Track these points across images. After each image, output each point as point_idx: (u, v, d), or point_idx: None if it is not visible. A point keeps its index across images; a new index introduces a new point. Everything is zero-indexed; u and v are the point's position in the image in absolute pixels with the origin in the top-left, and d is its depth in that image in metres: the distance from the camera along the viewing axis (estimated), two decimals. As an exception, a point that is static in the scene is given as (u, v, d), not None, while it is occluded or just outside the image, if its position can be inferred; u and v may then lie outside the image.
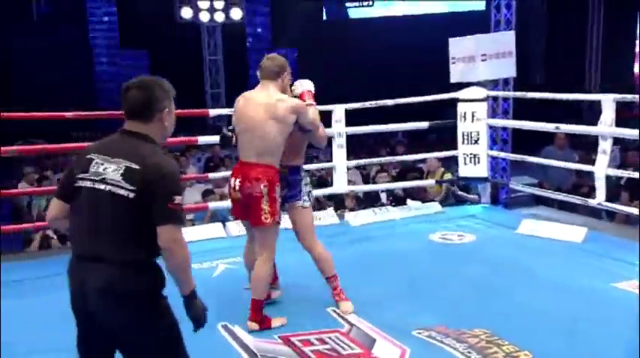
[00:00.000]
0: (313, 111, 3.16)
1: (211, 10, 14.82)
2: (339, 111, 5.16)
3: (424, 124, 5.55)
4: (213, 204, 5.33)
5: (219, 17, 14.96)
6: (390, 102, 5.33)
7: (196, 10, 14.67)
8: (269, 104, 3.04)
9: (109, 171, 1.90)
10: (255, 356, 2.80)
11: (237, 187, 3.08)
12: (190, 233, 4.90)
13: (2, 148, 4.07)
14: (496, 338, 2.86)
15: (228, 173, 6.25)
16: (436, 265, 4.09)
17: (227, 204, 5.78)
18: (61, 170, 8.78)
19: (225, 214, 6.07)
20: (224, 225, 5.11)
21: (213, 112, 4.88)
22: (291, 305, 3.41)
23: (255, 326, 3.08)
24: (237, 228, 5.01)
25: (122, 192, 1.86)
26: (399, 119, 5.74)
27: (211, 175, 5.72)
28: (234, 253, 4.39)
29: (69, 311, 2.01)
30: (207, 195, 6.11)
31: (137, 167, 1.88)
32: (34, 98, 12.69)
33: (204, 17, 14.84)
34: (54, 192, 2.15)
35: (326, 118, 5.23)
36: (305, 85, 3.25)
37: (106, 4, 15.71)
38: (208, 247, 4.61)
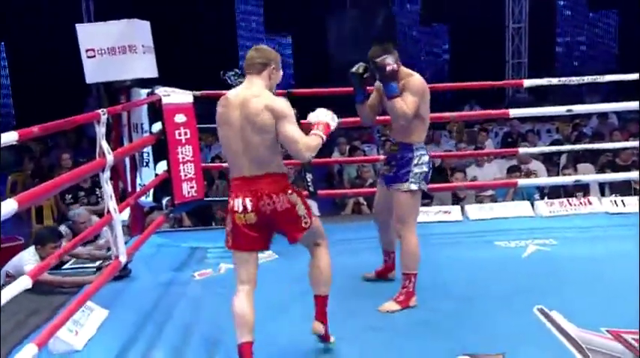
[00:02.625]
0: (314, 139, 2.55)
1: (518, -26, 14.13)
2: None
3: None
4: (521, 181, 5.10)
5: (527, -19, 14.17)
6: None
7: (502, -25, 14.16)
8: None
9: None
10: (579, 347, 2.60)
11: (249, 208, 2.51)
12: (496, 209, 4.82)
13: (305, 121, 4.47)
14: None
15: (533, 149, 6.09)
16: None
17: (536, 181, 5.58)
18: (367, 141, 9.55)
19: (532, 192, 5.81)
20: (532, 204, 4.88)
21: (528, 83, 4.61)
22: (623, 300, 3.06)
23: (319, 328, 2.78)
24: (547, 208, 4.75)
25: None
26: None
27: (521, 150, 5.47)
28: (546, 234, 4.18)
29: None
30: (513, 171, 5.90)
31: None
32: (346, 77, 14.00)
33: (511, -17, 14.24)
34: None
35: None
36: (320, 116, 2.69)
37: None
38: (516, 226, 4.45)
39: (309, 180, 4.50)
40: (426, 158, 3.18)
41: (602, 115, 9.62)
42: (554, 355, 2.59)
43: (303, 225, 2.61)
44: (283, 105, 2.52)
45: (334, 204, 6.96)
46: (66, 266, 4.04)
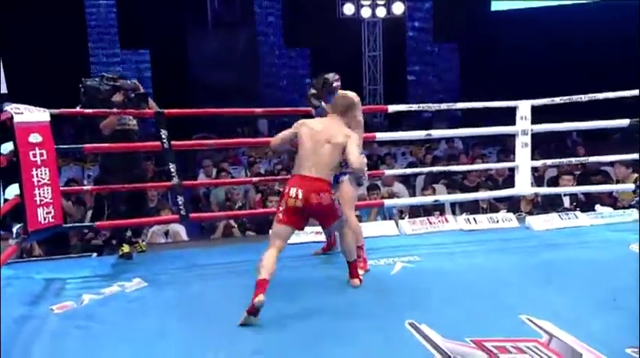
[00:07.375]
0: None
1: (373, 5, 15.06)
2: (524, 107, 4.94)
3: (624, 122, 5.09)
4: (388, 202, 5.38)
5: (381, 12, 15.15)
6: (583, 97, 4.98)
7: (358, 5, 14.99)
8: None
9: None
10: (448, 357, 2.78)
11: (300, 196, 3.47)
12: (364, 229, 5.01)
13: (178, 142, 4.45)
14: None
15: (392, 171, 6.49)
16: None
17: (400, 201, 5.93)
18: (234, 163, 9.49)
19: (392, 211, 6.13)
20: (396, 223, 5.16)
21: (392, 108, 4.90)
22: (483, 310, 3.34)
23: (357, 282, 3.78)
24: (410, 226, 5.05)
25: None
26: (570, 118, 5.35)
27: (387, 172, 5.77)
28: (410, 251, 4.43)
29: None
30: (372, 189, 6.16)
31: None
32: (207, 97, 13.86)
33: (366, 13, 15.12)
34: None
35: (510, 114, 5.06)
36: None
37: (273, 5, 16.59)
38: (383, 244, 4.67)
39: (180, 203, 4.37)
40: None
41: (450, 140, 10.49)
42: (427, 367, 2.74)
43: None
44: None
45: (201, 228, 6.80)
46: None
